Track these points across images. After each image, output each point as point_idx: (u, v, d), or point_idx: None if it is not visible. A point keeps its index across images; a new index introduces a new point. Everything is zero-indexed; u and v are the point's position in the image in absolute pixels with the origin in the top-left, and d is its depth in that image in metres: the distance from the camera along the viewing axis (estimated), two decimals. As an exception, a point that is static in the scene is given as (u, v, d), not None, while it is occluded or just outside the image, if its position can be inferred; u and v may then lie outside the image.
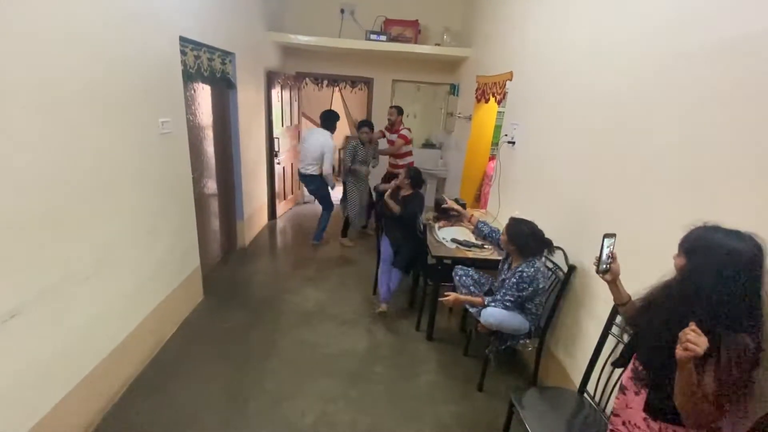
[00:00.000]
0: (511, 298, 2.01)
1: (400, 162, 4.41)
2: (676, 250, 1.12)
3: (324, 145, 3.90)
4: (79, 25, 1.61)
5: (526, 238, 2.01)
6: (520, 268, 2.01)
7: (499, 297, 2.06)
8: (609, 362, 1.56)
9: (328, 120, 4.06)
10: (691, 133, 1.41)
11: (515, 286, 1.99)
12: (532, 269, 1.98)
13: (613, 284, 1.39)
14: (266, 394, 2.13)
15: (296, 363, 2.40)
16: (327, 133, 3.99)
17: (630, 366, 1.26)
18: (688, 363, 0.94)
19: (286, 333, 2.69)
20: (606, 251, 1.35)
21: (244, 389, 2.14)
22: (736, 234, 1.01)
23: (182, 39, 2.46)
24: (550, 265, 2.22)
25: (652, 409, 1.14)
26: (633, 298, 1.37)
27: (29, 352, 1.49)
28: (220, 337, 2.59)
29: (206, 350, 2.45)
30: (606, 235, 1.36)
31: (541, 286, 2.01)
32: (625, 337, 1.54)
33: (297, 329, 2.74)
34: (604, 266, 1.36)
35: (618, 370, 1.50)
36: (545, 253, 2.10)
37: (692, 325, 0.94)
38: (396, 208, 3.10)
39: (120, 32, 1.86)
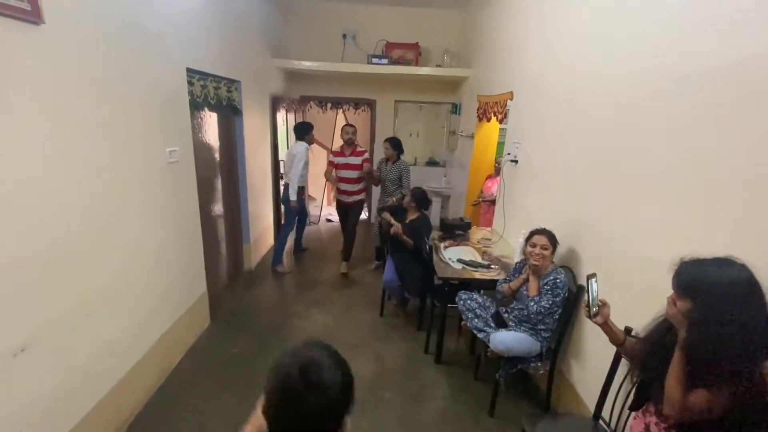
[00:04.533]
0: (547, 304, 2.02)
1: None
2: None
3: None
4: (89, 60, 1.66)
5: (556, 243, 2.11)
6: (551, 276, 2.05)
7: (533, 308, 2.05)
8: (627, 407, 1.49)
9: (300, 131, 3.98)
10: (692, 153, 1.41)
11: (551, 292, 2.03)
12: (562, 275, 2.04)
13: (606, 326, 1.35)
14: (273, 424, 2.09)
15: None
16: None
17: (647, 409, 1.20)
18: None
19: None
20: (593, 292, 1.31)
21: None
22: (725, 262, 0.99)
23: (189, 70, 2.53)
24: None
25: None
26: (630, 334, 1.33)
27: (35, 386, 1.49)
28: (227, 365, 2.56)
29: (212, 378, 2.42)
30: (589, 276, 1.33)
31: (566, 295, 2.03)
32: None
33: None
34: (595, 309, 1.31)
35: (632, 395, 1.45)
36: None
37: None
38: (409, 242, 3.00)
39: (129, 66, 1.92)
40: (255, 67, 3.91)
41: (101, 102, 1.74)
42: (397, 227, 3.08)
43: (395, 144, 3.94)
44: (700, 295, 0.99)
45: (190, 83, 2.57)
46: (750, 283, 0.95)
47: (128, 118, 1.93)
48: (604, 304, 1.33)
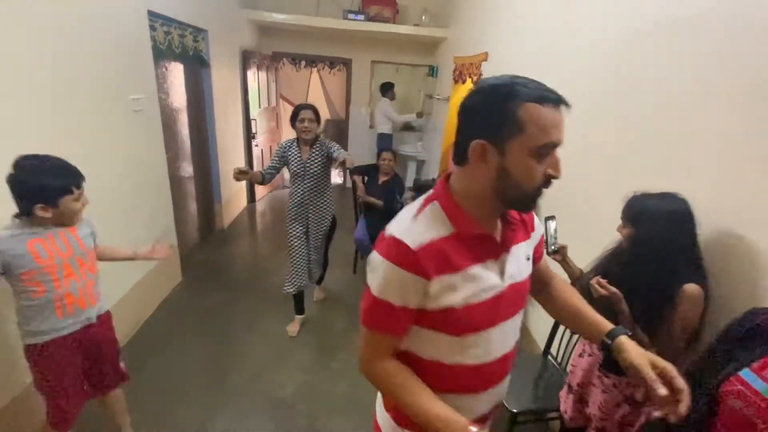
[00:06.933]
0: None
1: None
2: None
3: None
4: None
5: None
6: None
7: None
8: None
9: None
10: (670, 107, 1.38)
11: None
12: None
13: (564, 263, 1.46)
14: (247, 368, 2.18)
15: (276, 338, 2.45)
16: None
17: None
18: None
19: (267, 311, 2.73)
20: (551, 232, 1.41)
21: (225, 363, 2.19)
22: (667, 196, 1.13)
23: (151, 13, 2.39)
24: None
25: (607, 366, 1.25)
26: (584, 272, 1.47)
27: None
28: (201, 315, 2.61)
29: (187, 328, 2.47)
30: (547, 218, 1.42)
31: None
32: None
33: (278, 307, 2.78)
34: (554, 247, 1.41)
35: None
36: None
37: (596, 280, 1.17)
38: (379, 203, 3.05)
39: (84, 4, 1.81)
40: (223, 16, 3.71)
41: (58, 41, 1.64)
42: (361, 191, 3.14)
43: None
44: (641, 221, 1.15)
45: (152, 28, 2.44)
46: (685, 213, 1.10)
47: (86, 59, 1.83)
48: (563, 246, 1.44)
